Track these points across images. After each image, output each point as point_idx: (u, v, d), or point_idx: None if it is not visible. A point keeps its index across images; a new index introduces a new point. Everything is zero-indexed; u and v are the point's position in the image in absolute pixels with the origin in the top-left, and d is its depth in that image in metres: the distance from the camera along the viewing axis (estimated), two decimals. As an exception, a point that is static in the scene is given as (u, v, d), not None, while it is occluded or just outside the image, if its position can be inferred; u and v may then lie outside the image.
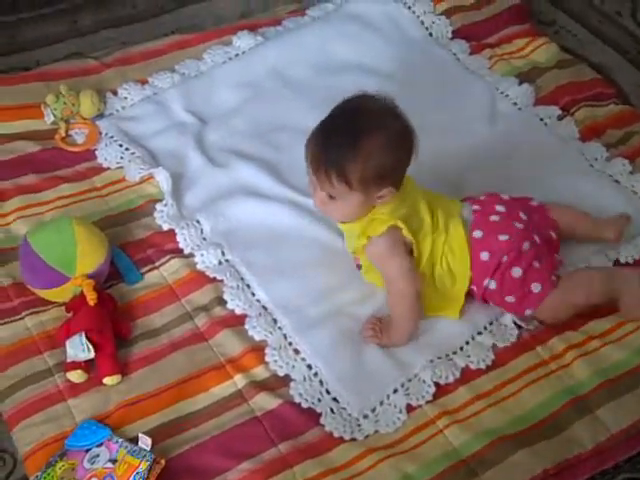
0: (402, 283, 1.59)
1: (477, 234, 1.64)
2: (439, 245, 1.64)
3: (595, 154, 2.02)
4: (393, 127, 1.53)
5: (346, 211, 1.58)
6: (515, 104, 2.14)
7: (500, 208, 1.68)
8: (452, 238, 1.64)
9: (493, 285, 1.64)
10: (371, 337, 1.63)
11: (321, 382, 1.59)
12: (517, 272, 1.63)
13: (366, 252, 1.61)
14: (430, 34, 2.33)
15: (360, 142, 1.49)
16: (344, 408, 1.56)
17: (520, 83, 2.18)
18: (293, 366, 1.61)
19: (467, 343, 1.66)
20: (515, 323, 1.67)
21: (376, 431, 1.53)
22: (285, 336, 1.65)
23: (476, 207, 1.69)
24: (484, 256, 1.63)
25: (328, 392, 1.58)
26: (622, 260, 1.80)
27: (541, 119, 2.11)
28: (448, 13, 2.35)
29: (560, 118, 2.10)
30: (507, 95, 2.16)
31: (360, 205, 1.55)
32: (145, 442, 1.44)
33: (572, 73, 2.22)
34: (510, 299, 1.65)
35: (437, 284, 1.66)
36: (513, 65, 2.25)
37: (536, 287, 1.63)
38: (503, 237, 1.63)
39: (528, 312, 1.65)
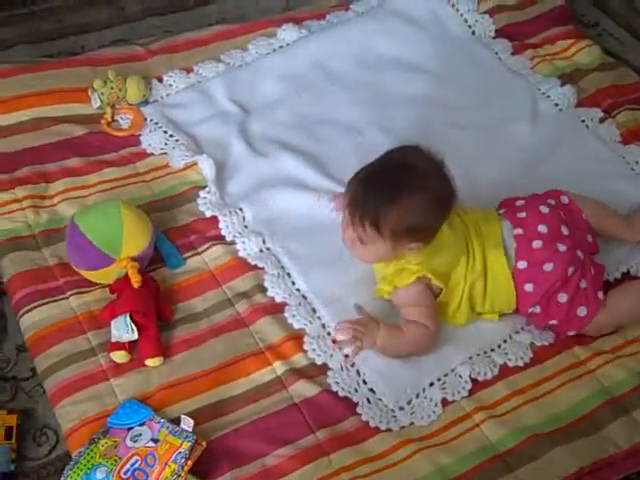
0: (420, 327, 1.60)
1: (521, 265, 1.63)
2: (478, 287, 1.63)
3: (637, 157, 2.02)
4: (435, 190, 1.55)
5: (374, 256, 1.62)
6: (556, 105, 2.15)
7: (542, 229, 1.65)
8: (495, 275, 1.63)
9: (537, 310, 1.64)
10: (348, 341, 1.59)
11: (358, 372, 1.61)
12: (563, 298, 1.62)
13: (392, 299, 1.64)
14: (473, 32, 2.34)
15: (399, 198, 1.52)
16: (380, 399, 1.58)
17: (562, 84, 2.18)
18: (331, 355, 1.62)
19: (505, 341, 1.67)
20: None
21: (411, 423, 1.55)
22: (324, 326, 1.67)
23: (519, 231, 1.65)
24: (528, 288, 1.62)
25: (365, 382, 1.59)
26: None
27: (582, 121, 2.12)
28: (491, 12, 2.35)
29: (602, 120, 2.11)
30: (549, 96, 2.17)
31: (388, 253, 1.59)
32: (187, 424, 1.45)
33: (614, 76, 2.23)
34: (553, 322, 1.65)
35: (475, 311, 1.67)
36: (555, 66, 2.26)
37: (582, 311, 1.63)
38: (548, 267, 1.61)
39: (571, 333, 1.66)
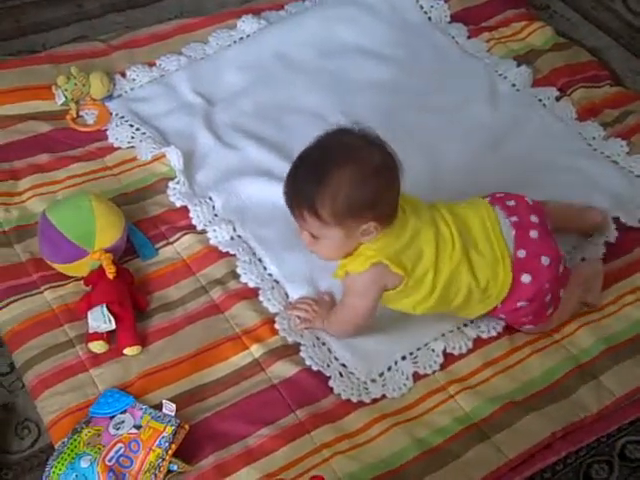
0: (358, 318, 1.59)
1: (521, 254, 1.56)
2: (462, 273, 1.54)
3: (592, 133, 2.08)
4: (366, 161, 1.43)
5: (331, 249, 1.51)
6: (514, 85, 2.20)
7: (534, 219, 1.59)
8: (493, 259, 1.55)
9: (525, 306, 1.59)
10: (302, 319, 1.65)
11: (329, 350, 1.64)
12: (548, 297, 1.60)
13: (342, 282, 1.57)
14: (429, 18, 2.38)
15: (327, 175, 1.42)
16: (352, 373, 1.61)
17: (518, 65, 2.23)
18: (301, 335, 1.65)
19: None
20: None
21: (383, 395, 1.58)
22: (296, 308, 1.70)
23: (514, 219, 1.58)
24: (525, 279, 1.56)
25: (337, 359, 1.63)
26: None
27: (539, 100, 2.17)
28: (446, -2, 2.40)
29: (558, 99, 2.17)
30: (506, 77, 2.22)
31: (343, 241, 1.48)
32: (169, 408, 1.47)
33: (568, 55, 2.29)
34: (525, 320, 1.63)
35: (453, 308, 1.60)
36: (510, 48, 2.31)
37: (549, 310, 1.64)
38: (545, 260, 1.56)
39: (525, 328, 1.67)
